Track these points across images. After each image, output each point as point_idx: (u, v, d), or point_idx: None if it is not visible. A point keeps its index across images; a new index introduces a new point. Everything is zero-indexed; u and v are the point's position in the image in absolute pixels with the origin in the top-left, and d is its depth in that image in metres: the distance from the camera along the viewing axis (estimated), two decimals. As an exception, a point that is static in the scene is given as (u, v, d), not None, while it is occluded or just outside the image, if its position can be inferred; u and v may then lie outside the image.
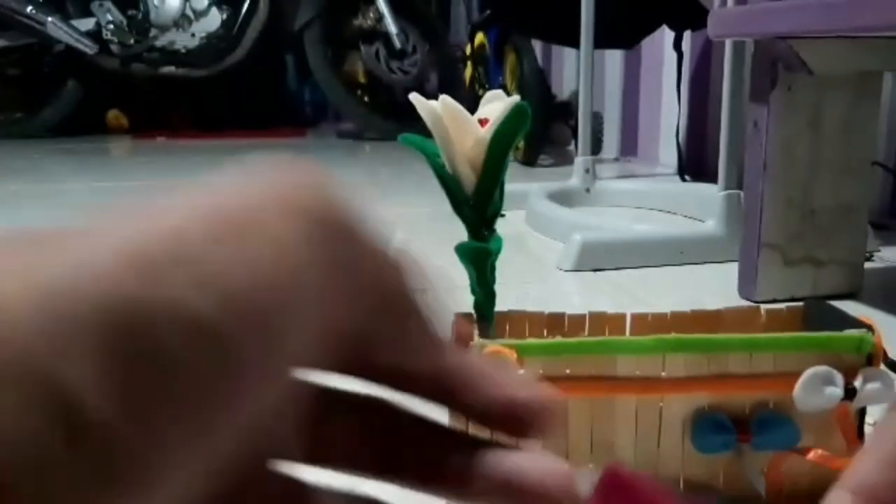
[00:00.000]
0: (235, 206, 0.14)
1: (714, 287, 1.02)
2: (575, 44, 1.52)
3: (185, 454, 0.13)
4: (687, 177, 1.80)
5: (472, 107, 0.44)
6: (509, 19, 1.99)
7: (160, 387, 0.12)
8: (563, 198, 1.48)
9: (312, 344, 0.15)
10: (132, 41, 3.07)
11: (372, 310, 0.16)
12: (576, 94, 1.86)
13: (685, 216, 1.46)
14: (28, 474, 0.11)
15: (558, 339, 0.47)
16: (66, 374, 0.11)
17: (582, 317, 0.52)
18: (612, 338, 0.46)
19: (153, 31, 3.08)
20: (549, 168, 2.20)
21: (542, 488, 0.17)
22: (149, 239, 0.13)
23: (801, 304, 0.53)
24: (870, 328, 0.46)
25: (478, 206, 0.45)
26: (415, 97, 0.44)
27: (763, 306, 0.53)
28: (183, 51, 3.12)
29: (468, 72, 2.66)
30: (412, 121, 0.45)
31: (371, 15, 3.04)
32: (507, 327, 0.51)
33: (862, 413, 0.46)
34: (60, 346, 0.11)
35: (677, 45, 1.76)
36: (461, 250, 0.46)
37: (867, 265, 1.01)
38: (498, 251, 0.47)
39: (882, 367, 0.45)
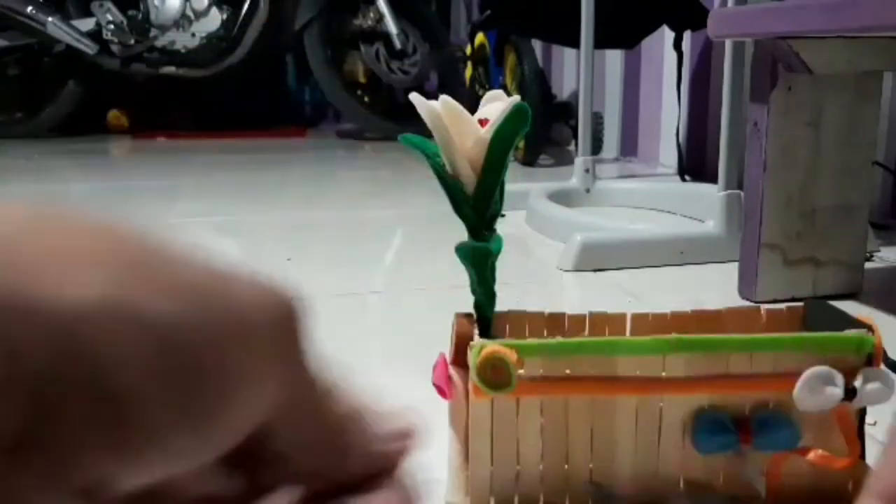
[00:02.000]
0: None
1: (714, 287, 1.02)
2: (575, 44, 1.52)
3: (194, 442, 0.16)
4: (687, 177, 1.80)
5: (473, 107, 0.44)
6: (509, 19, 1.99)
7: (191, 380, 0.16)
8: (563, 198, 1.48)
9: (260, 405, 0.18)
10: (132, 41, 3.07)
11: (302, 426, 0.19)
12: (576, 94, 1.86)
13: (685, 216, 1.46)
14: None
15: (558, 339, 0.47)
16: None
17: (582, 317, 0.52)
18: (612, 338, 0.46)
19: (153, 31, 3.08)
20: (550, 168, 2.20)
21: None
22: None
23: (801, 304, 0.53)
24: (870, 328, 0.46)
25: (478, 206, 0.45)
26: (415, 97, 0.44)
27: (763, 306, 0.53)
28: (183, 51, 3.12)
29: (468, 72, 2.66)
30: (412, 121, 0.45)
31: (371, 15, 3.04)
32: (508, 327, 0.51)
33: (862, 413, 0.46)
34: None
35: (677, 45, 1.76)
36: (461, 250, 0.46)
37: (867, 265, 1.01)
38: (498, 251, 0.46)
39: (882, 367, 0.45)
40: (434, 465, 0.44)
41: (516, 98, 0.43)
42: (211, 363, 0.16)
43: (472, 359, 0.43)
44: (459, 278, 0.47)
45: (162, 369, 0.15)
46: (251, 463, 0.19)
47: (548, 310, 0.52)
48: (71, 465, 0.15)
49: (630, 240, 1.15)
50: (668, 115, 2.16)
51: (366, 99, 3.29)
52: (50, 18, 2.93)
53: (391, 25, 2.98)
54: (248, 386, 0.17)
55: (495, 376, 0.43)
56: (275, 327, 0.18)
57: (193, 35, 3.11)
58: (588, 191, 1.58)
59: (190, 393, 0.16)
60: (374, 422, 0.20)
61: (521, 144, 2.14)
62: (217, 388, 0.16)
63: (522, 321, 0.51)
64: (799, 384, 0.44)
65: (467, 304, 0.48)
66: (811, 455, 0.45)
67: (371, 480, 0.20)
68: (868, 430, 0.47)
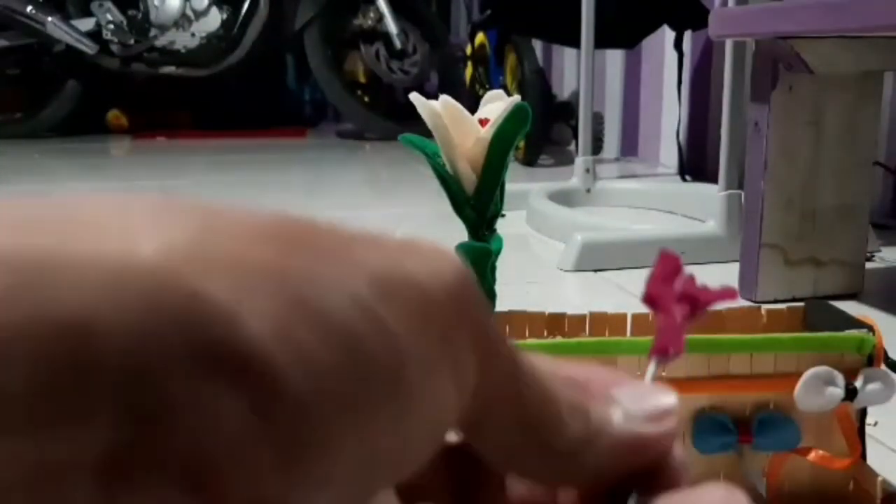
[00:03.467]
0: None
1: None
2: (575, 44, 1.52)
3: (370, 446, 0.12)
4: (687, 177, 1.80)
5: (473, 107, 0.44)
6: (510, 19, 1.99)
7: (358, 372, 0.12)
8: (563, 198, 1.48)
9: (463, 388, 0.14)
10: (132, 41, 3.07)
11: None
12: (576, 94, 1.86)
13: (686, 216, 1.46)
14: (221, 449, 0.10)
15: (559, 339, 0.47)
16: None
17: (583, 317, 0.52)
18: (612, 338, 0.46)
19: (153, 31, 3.08)
20: (550, 168, 2.20)
21: None
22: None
23: (801, 304, 0.53)
24: (870, 328, 0.46)
25: (478, 206, 0.45)
26: (415, 97, 0.43)
27: (764, 306, 0.53)
28: (183, 51, 3.12)
29: (468, 72, 2.66)
30: (412, 121, 0.45)
31: (371, 15, 3.04)
32: (508, 328, 0.51)
33: (863, 413, 0.46)
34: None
35: (678, 45, 1.76)
36: (461, 250, 0.46)
37: (868, 265, 1.01)
38: (498, 251, 0.46)
39: (883, 367, 0.45)
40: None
41: (516, 98, 0.43)
42: (391, 349, 0.12)
43: (473, 359, 0.43)
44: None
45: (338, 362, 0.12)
46: (473, 467, 0.16)
47: (548, 310, 0.52)
48: (204, 487, 0.10)
49: (630, 240, 1.15)
50: (668, 115, 2.16)
51: (366, 99, 3.29)
52: (50, 18, 2.93)
53: (391, 25, 2.98)
54: (444, 367, 0.14)
55: (495, 376, 0.43)
56: (457, 299, 0.14)
57: (193, 35, 3.11)
58: (588, 191, 1.58)
59: (376, 385, 0.12)
60: (628, 397, 0.16)
61: (522, 144, 2.14)
62: (406, 377, 0.13)
63: (523, 321, 0.51)
64: (799, 384, 0.44)
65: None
66: (812, 455, 0.45)
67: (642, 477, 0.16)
68: (869, 430, 0.47)
